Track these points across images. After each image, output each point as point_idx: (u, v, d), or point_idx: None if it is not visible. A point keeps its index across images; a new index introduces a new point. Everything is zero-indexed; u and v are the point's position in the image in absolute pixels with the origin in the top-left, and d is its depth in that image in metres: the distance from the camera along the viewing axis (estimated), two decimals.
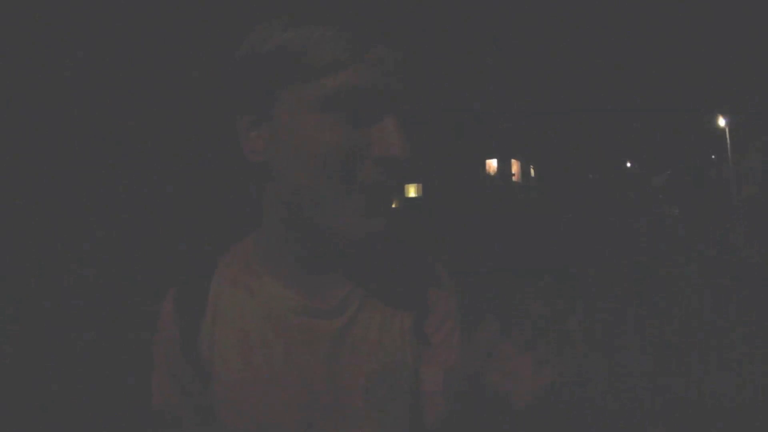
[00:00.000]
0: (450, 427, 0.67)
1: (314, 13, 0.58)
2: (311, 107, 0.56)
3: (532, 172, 32.57)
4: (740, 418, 2.60)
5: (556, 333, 0.61)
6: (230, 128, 0.65)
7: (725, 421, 2.58)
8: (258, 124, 0.60)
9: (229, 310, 0.67)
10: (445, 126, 27.08)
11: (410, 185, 27.20)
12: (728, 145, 21.75)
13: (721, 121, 22.43)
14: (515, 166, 30.77)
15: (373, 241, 0.60)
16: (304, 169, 0.57)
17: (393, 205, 0.62)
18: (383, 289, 0.71)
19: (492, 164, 29.52)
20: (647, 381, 3.13)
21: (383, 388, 0.67)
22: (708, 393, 2.90)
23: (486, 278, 6.22)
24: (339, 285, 0.68)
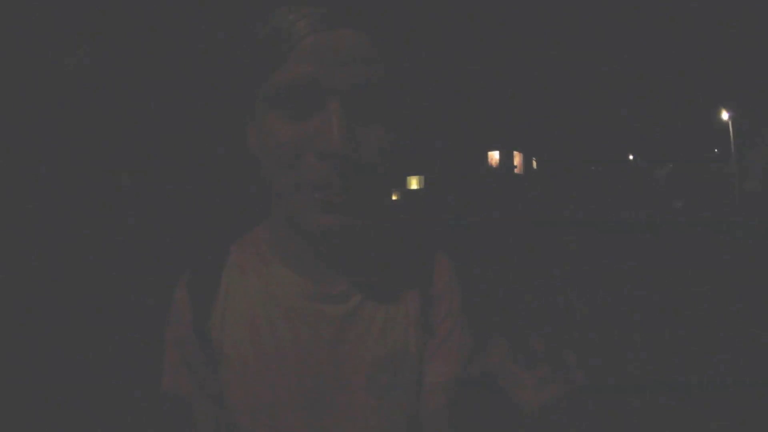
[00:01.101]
0: (447, 420, 0.69)
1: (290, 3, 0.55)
2: (266, 104, 0.57)
3: (534, 164, 32.49)
4: (740, 416, 2.63)
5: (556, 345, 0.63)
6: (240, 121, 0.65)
7: (725, 421, 2.61)
8: (251, 119, 0.62)
9: (239, 296, 0.69)
10: (447, 118, 27.04)
11: (412, 177, 27.21)
12: (731, 139, 21.70)
13: (725, 115, 22.36)
14: (517, 158, 30.69)
15: (340, 238, 0.58)
16: (266, 164, 0.58)
17: (364, 201, 0.58)
18: (389, 279, 0.71)
19: (494, 156, 29.40)
20: (647, 376, 3.17)
21: (385, 377, 0.67)
22: (708, 390, 2.95)
23: (487, 270, 6.25)
24: (345, 273, 0.68)
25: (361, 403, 0.66)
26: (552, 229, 13.99)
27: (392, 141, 0.58)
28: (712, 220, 13.61)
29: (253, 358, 0.65)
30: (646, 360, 3.39)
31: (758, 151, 20.95)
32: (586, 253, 8.29)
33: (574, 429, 0.54)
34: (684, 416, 2.65)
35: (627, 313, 4.48)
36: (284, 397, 0.65)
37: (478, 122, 28.37)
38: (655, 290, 5.27)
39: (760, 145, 20.96)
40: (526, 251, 8.60)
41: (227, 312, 0.68)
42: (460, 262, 0.78)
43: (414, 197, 24.68)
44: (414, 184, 27.21)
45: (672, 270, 6.39)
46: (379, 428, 0.67)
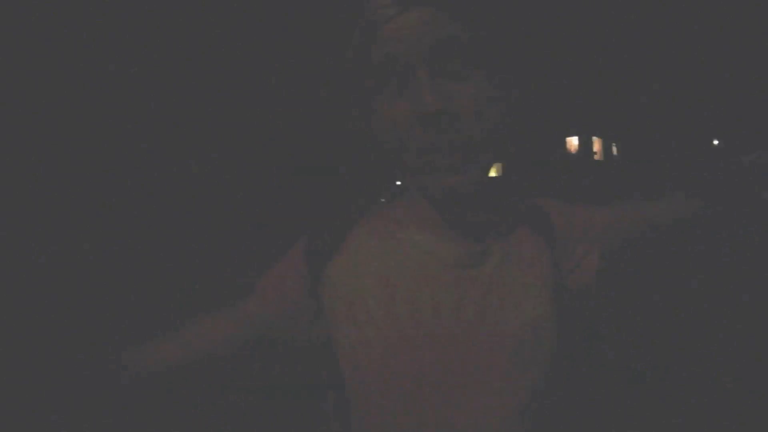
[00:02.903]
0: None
1: None
2: (371, 90, 0.63)
3: (615, 150, 31.15)
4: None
5: None
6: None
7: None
8: (369, 108, 0.66)
9: (374, 262, 0.69)
10: (525, 102, 26.61)
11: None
12: None
13: None
14: (597, 144, 29.98)
15: (462, 195, 0.61)
16: (386, 143, 0.63)
17: (474, 157, 0.61)
18: (516, 240, 0.72)
19: (573, 142, 28.95)
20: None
21: (529, 346, 0.66)
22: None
23: None
24: (478, 236, 0.69)
25: (502, 371, 0.64)
26: None
27: (486, 96, 0.61)
28: None
29: (389, 325, 0.65)
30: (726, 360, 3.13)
31: None
32: (666, 246, 7.71)
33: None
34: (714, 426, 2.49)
35: (718, 312, 4.14)
36: (419, 365, 0.64)
37: (556, 107, 27.88)
38: (738, 285, 4.73)
39: None
40: None
41: (359, 279, 0.68)
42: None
43: (493, 185, 24.97)
44: (493, 171, 27.21)
45: (759, 265, 5.53)
46: (517, 402, 0.64)
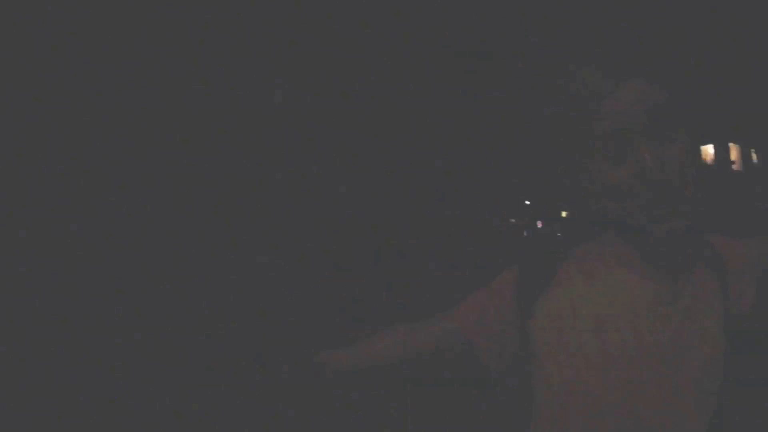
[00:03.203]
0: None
1: (577, 54, 0.68)
2: (590, 152, 0.68)
3: (755, 157, 28.68)
4: None
5: None
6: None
7: None
8: (580, 162, 0.71)
9: (587, 298, 0.74)
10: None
11: None
12: None
13: None
14: (734, 152, 27.46)
15: (676, 238, 0.66)
16: (599, 197, 0.70)
17: (687, 205, 0.65)
18: (700, 278, 0.74)
19: (708, 151, 26.61)
20: None
21: (710, 376, 0.69)
22: None
23: None
24: (673, 277, 0.72)
25: (687, 402, 0.68)
26: None
27: (687, 151, 0.66)
28: None
29: (601, 359, 0.70)
30: None
31: None
32: None
33: None
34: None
35: None
36: (625, 396, 0.69)
37: (689, 113, 26.85)
38: None
39: None
40: None
41: (575, 313, 0.73)
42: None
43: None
44: None
45: None
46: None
